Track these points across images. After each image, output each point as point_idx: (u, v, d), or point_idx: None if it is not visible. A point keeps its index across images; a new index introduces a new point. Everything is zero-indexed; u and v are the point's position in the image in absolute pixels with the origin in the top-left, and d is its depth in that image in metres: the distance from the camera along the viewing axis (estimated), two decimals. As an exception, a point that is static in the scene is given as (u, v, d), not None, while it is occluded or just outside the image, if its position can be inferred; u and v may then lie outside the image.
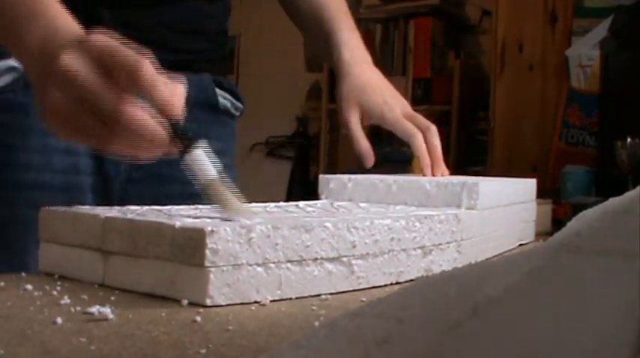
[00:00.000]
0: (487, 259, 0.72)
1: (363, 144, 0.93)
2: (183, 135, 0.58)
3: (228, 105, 1.00)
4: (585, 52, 2.34)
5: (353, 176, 0.82)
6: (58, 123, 0.57)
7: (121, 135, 0.54)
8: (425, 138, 0.91)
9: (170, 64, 0.89)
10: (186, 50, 0.92)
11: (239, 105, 1.02)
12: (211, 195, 0.57)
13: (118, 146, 0.56)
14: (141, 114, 0.54)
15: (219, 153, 0.99)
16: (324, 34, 1.01)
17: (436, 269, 0.64)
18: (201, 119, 0.95)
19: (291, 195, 3.46)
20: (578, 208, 0.87)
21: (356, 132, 0.93)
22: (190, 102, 0.92)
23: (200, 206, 0.67)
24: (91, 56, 0.55)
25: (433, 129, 0.93)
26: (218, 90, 0.98)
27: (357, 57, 0.98)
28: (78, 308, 0.47)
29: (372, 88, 0.95)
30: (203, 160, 0.58)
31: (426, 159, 0.90)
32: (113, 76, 0.54)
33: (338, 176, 0.82)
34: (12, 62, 0.81)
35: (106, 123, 0.54)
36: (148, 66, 0.54)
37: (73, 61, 0.55)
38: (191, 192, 0.92)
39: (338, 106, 0.97)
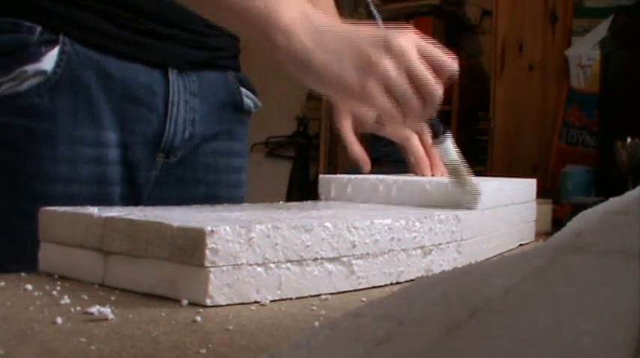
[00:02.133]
0: (487, 259, 0.72)
1: (356, 149, 0.92)
2: (438, 125, 0.73)
3: (251, 104, 0.99)
4: (585, 52, 2.34)
5: (353, 176, 0.82)
6: (379, 88, 0.64)
7: (423, 111, 0.66)
8: (420, 140, 0.91)
9: (199, 62, 0.89)
10: (212, 48, 0.91)
11: (258, 103, 1.01)
12: (456, 177, 0.72)
13: (410, 122, 0.67)
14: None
15: (241, 155, 0.99)
16: None
17: (436, 269, 0.64)
18: (227, 119, 0.95)
19: (291, 195, 3.46)
20: (578, 208, 0.87)
21: (348, 138, 0.93)
22: (220, 103, 0.92)
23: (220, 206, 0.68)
24: (415, 43, 0.66)
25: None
26: (242, 90, 0.97)
27: None
28: (78, 308, 0.47)
29: None
30: (451, 149, 0.74)
31: (423, 161, 0.90)
32: (429, 63, 0.66)
33: (338, 176, 0.82)
34: (42, 66, 0.78)
35: (421, 96, 0.65)
36: (454, 63, 0.67)
37: (405, 45, 0.65)
38: (214, 195, 0.92)
39: (332, 113, 0.96)
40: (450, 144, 0.73)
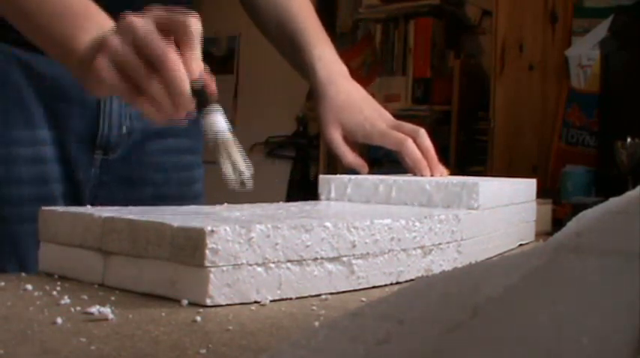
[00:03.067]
0: (487, 259, 0.72)
1: (350, 157, 0.92)
2: (201, 95, 0.64)
3: None
4: (585, 52, 2.34)
5: (353, 176, 0.82)
6: (106, 63, 0.62)
7: (159, 81, 0.61)
8: (416, 142, 0.90)
9: None
10: None
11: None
12: (222, 154, 0.64)
13: (153, 93, 0.61)
14: (180, 65, 0.61)
15: (191, 151, 0.97)
16: (295, 48, 0.97)
17: (436, 269, 0.64)
18: None
19: (291, 195, 3.46)
20: (578, 208, 0.87)
21: (340, 148, 0.92)
22: None
23: (190, 207, 0.67)
24: (149, 19, 0.62)
25: (422, 132, 0.91)
26: None
27: (332, 73, 0.95)
28: (78, 308, 0.47)
29: (350, 107, 0.93)
30: (220, 121, 0.65)
31: (421, 163, 0.89)
32: (165, 30, 0.62)
33: (338, 176, 0.82)
34: None
35: (152, 65, 0.61)
36: (196, 24, 0.62)
37: (133, 19, 0.62)
38: (163, 194, 0.91)
39: (320, 127, 0.95)
40: (219, 117, 0.65)
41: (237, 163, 0.64)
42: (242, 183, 0.63)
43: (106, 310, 0.45)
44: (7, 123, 0.80)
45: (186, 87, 0.61)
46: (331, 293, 0.55)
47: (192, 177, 0.97)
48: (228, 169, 0.63)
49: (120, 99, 0.85)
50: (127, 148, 0.88)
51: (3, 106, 0.80)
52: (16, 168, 0.80)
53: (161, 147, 0.92)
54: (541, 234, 0.96)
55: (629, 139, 1.49)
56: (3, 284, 0.54)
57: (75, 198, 0.85)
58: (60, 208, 0.61)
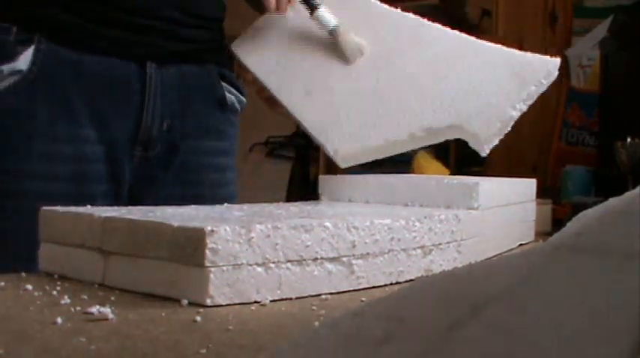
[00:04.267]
0: (487, 259, 0.72)
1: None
2: None
3: (234, 100, 0.98)
4: (585, 52, 2.34)
5: (353, 176, 0.82)
6: None
7: None
8: None
9: (178, 54, 0.88)
10: (191, 40, 0.91)
11: (242, 99, 1.00)
12: (338, 39, 0.81)
13: None
14: None
15: (225, 153, 0.98)
16: None
17: (436, 269, 0.64)
18: (208, 115, 0.94)
19: (291, 195, 3.46)
20: (578, 208, 0.87)
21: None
22: (199, 97, 0.91)
23: (200, 207, 0.67)
24: None
25: None
26: (224, 84, 0.96)
27: None
28: (78, 308, 0.47)
29: None
30: (327, 14, 0.82)
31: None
32: None
33: (338, 176, 0.82)
34: (18, 65, 0.79)
35: None
36: None
37: None
38: (196, 195, 0.92)
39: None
40: (324, 11, 0.81)
41: (352, 40, 0.81)
42: (361, 52, 0.81)
43: (106, 310, 0.45)
44: (51, 121, 0.81)
45: None
46: (331, 293, 0.55)
47: (225, 179, 0.98)
48: (348, 45, 0.81)
49: (163, 98, 0.86)
50: (164, 147, 0.89)
51: (49, 103, 0.81)
52: (58, 165, 0.81)
53: (196, 147, 0.93)
54: (541, 234, 0.96)
55: (629, 139, 1.49)
56: (3, 284, 0.54)
57: (115, 197, 0.86)
58: (60, 208, 0.61)
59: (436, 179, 0.81)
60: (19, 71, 0.80)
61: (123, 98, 0.85)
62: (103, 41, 0.83)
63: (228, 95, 0.97)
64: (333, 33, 0.81)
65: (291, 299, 0.53)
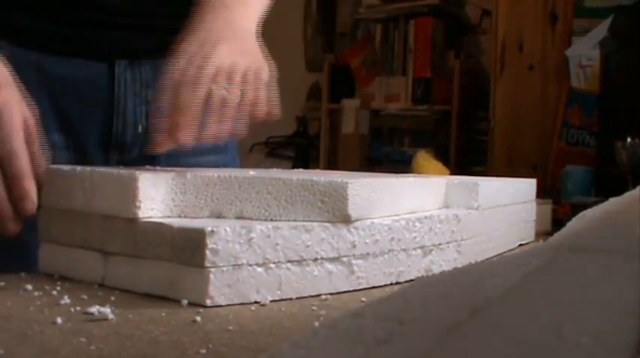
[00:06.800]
0: (487, 259, 0.72)
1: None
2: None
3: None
4: (585, 52, 2.34)
5: (353, 176, 0.82)
6: None
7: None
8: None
9: (154, 49, 0.85)
10: (167, 31, 0.85)
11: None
12: None
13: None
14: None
15: (216, 151, 0.95)
16: None
17: (436, 270, 0.64)
18: None
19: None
20: (578, 208, 0.87)
21: None
22: None
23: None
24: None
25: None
26: None
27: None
28: (78, 308, 0.47)
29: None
30: None
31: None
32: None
33: (338, 176, 0.82)
34: None
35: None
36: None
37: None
38: None
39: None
40: None
41: None
42: None
43: (106, 310, 0.45)
44: None
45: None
46: (331, 294, 0.55)
47: None
48: None
49: (134, 97, 0.83)
50: (144, 149, 0.87)
51: None
52: None
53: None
54: (541, 234, 0.96)
55: (629, 139, 1.49)
56: (3, 284, 0.54)
57: None
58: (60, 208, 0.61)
59: (436, 179, 0.80)
60: None
61: (89, 100, 0.82)
62: (67, 42, 0.80)
63: None
64: None
65: (291, 299, 0.53)
